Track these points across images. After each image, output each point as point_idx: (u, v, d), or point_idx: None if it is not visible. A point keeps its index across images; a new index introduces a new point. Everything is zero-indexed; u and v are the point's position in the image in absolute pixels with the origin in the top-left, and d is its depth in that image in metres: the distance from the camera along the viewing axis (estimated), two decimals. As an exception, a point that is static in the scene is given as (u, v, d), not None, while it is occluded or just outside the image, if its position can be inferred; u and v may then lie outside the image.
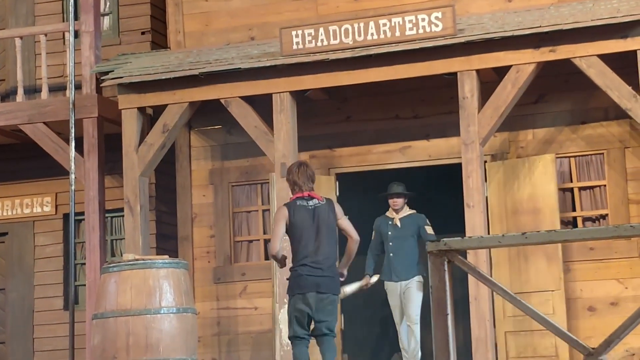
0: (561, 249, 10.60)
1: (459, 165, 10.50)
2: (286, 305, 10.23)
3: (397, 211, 10.35)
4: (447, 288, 3.21)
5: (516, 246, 2.99)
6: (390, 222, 10.33)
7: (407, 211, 10.38)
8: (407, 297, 10.15)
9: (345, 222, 8.22)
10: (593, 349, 3.05)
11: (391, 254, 10.29)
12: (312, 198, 8.13)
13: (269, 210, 11.77)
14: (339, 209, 8.23)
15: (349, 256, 8.21)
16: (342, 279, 8.27)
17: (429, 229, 10.22)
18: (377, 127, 11.56)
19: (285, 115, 10.86)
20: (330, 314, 7.99)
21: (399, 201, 10.33)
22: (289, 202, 8.16)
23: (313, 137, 11.63)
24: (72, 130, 11.59)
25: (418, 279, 10.19)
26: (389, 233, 10.28)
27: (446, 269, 3.23)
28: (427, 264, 7.73)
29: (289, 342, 8.26)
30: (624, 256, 10.62)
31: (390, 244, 10.26)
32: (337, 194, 11.58)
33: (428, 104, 11.44)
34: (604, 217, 10.86)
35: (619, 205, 10.74)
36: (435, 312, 3.23)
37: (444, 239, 3.16)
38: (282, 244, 8.11)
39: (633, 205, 10.71)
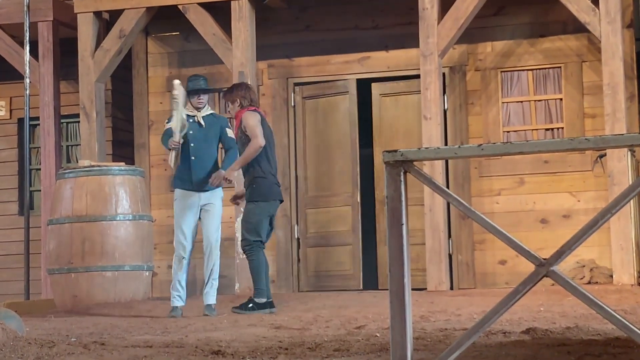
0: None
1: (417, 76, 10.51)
2: (242, 215, 10.28)
3: (199, 109, 8.86)
4: (403, 198, 3.22)
5: (472, 157, 3.01)
6: (192, 120, 8.82)
7: (209, 110, 8.97)
8: (210, 213, 8.79)
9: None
10: (545, 259, 3.09)
11: (192, 158, 8.76)
12: (262, 113, 8.70)
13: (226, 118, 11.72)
14: None
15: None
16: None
17: (231, 132, 8.88)
18: (336, 37, 11.50)
19: (243, 23, 10.77)
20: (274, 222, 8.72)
21: (205, 98, 8.92)
22: (252, 110, 8.55)
23: (271, 46, 11.56)
24: (27, 34, 11.43)
25: (221, 193, 8.87)
26: (191, 132, 8.72)
27: (402, 179, 3.24)
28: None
29: (248, 248, 8.47)
30: (578, 169, 10.75)
31: (192, 145, 8.70)
32: (294, 103, 11.58)
33: (388, 15, 11.38)
34: (559, 130, 10.95)
35: (575, 119, 10.83)
36: (390, 222, 3.25)
37: (401, 150, 3.17)
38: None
39: (588, 119, 10.80)
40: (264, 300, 8.37)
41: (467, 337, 3.14)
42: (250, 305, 8.33)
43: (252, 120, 8.44)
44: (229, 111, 8.88)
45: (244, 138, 8.44)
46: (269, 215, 8.50)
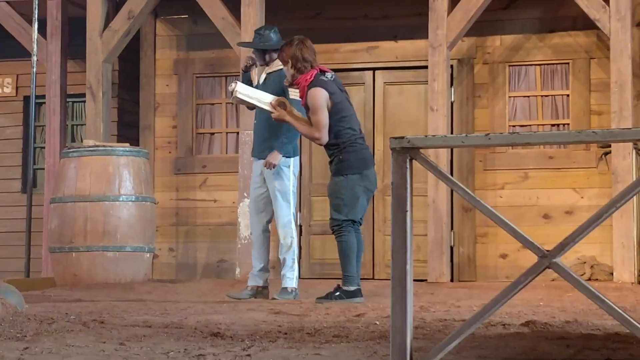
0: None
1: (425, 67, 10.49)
2: (246, 199, 10.27)
3: (267, 64, 8.09)
4: (408, 185, 3.22)
5: (479, 147, 3.00)
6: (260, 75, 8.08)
7: (277, 66, 7.97)
8: (270, 187, 7.99)
9: None
10: (548, 251, 3.09)
11: (255, 121, 8.10)
12: (325, 72, 7.46)
13: (232, 103, 11.73)
14: None
15: None
16: None
17: (294, 94, 7.65)
18: (345, 26, 11.49)
19: (253, 8, 10.75)
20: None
21: (257, 54, 8.08)
22: (317, 82, 7.33)
23: (280, 32, 11.51)
24: (36, 12, 11.42)
25: (285, 161, 7.94)
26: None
27: (408, 166, 3.24)
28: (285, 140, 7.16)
29: (337, 228, 7.34)
30: (582, 166, 10.74)
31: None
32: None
33: (398, 5, 11.36)
34: (565, 126, 10.94)
35: (581, 115, 10.82)
36: (395, 209, 3.25)
37: (408, 136, 3.17)
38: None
39: (594, 116, 10.79)
40: (353, 288, 7.39)
41: (467, 326, 3.15)
42: (337, 293, 7.37)
43: (317, 101, 7.25)
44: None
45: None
46: (365, 190, 7.31)
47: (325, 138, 7.28)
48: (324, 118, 7.25)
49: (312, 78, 7.34)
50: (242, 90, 7.58)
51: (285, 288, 8.03)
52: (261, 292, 8.21)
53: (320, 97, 7.26)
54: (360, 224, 7.42)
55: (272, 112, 7.46)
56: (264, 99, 7.55)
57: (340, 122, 7.31)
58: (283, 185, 7.92)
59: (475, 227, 10.95)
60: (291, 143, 7.93)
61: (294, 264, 8.03)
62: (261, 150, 8.00)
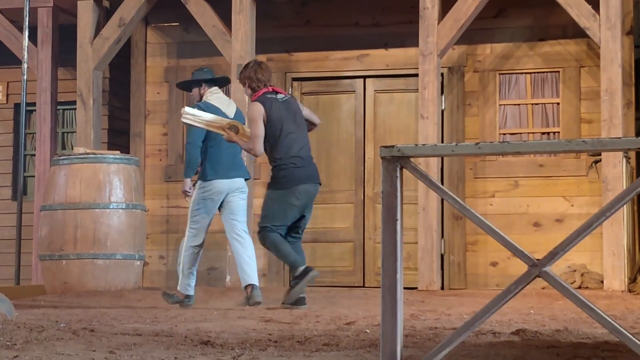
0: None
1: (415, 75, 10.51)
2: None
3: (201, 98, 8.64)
4: (399, 194, 3.22)
5: (469, 156, 3.01)
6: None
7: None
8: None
9: (307, 111, 8.17)
10: (538, 260, 3.09)
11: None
12: (277, 92, 7.97)
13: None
14: (298, 101, 8.30)
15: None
16: None
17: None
18: (336, 33, 11.51)
19: (244, 15, 10.76)
20: (311, 209, 7.96)
21: (194, 91, 8.67)
22: (260, 98, 7.84)
23: (271, 40, 11.56)
24: (26, 19, 11.42)
25: (198, 185, 8.50)
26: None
27: (398, 175, 3.24)
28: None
29: (259, 236, 7.91)
30: (572, 174, 10.76)
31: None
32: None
33: (388, 13, 11.38)
34: (555, 134, 10.96)
35: (571, 123, 10.84)
36: (385, 218, 3.26)
37: (398, 145, 3.17)
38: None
39: (585, 125, 10.81)
40: (302, 267, 7.78)
41: (458, 334, 3.15)
42: (293, 286, 7.84)
43: (251, 113, 7.82)
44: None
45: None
46: (291, 205, 7.74)
47: (258, 149, 7.75)
48: (256, 130, 7.73)
49: (259, 95, 7.87)
50: (188, 113, 8.04)
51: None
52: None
53: (255, 110, 7.78)
54: (275, 228, 7.79)
55: (223, 135, 7.97)
56: (217, 122, 8.02)
57: (277, 140, 7.78)
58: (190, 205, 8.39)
59: (466, 235, 10.96)
60: (190, 167, 8.30)
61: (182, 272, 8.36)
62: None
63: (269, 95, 7.87)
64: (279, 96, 7.92)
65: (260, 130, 7.71)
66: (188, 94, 11.50)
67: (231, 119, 8.20)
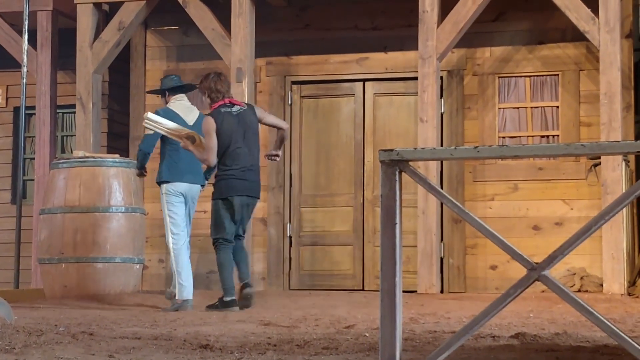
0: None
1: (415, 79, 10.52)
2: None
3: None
4: (397, 197, 3.22)
5: (468, 159, 3.01)
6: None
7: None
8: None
9: (271, 118, 8.68)
10: (536, 263, 3.09)
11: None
12: (233, 105, 8.38)
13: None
14: (260, 111, 8.58)
15: (282, 140, 8.56)
16: (278, 159, 8.61)
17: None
18: (335, 37, 11.51)
19: (243, 19, 10.77)
20: (249, 217, 8.44)
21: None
22: (213, 112, 8.31)
23: (270, 43, 11.56)
24: (26, 23, 11.41)
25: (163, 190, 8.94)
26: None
27: (397, 178, 3.24)
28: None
29: (214, 247, 8.31)
30: (572, 177, 10.76)
31: None
32: (290, 102, 11.59)
33: (388, 16, 11.39)
34: (554, 138, 10.96)
35: (571, 127, 10.85)
36: (384, 221, 3.25)
37: (397, 149, 3.17)
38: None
39: (584, 128, 10.81)
40: (229, 298, 8.19)
41: (457, 338, 3.14)
42: (217, 303, 8.30)
43: (204, 126, 8.24)
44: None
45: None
46: (226, 214, 8.22)
47: (211, 159, 8.21)
48: (209, 142, 8.18)
49: (214, 108, 8.31)
50: (150, 120, 8.53)
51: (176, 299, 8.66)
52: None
53: (208, 124, 8.23)
54: (231, 241, 8.26)
55: (180, 143, 8.45)
56: (176, 131, 8.46)
57: (224, 152, 8.22)
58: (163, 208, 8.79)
59: (465, 239, 10.96)
60: (160, 170, 8.74)
61: (179, 276, 8.61)
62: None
63: (222, 110, 8.30)
64: (234, 109, 8.36)
65: (213, 142, 8.18)
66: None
67: (191, 126, 8.63)
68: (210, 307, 8.29)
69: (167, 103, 8.92)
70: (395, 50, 11.33)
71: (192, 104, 9.10)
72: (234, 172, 8.22)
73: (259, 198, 8.42)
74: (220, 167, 8.26)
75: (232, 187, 8.21)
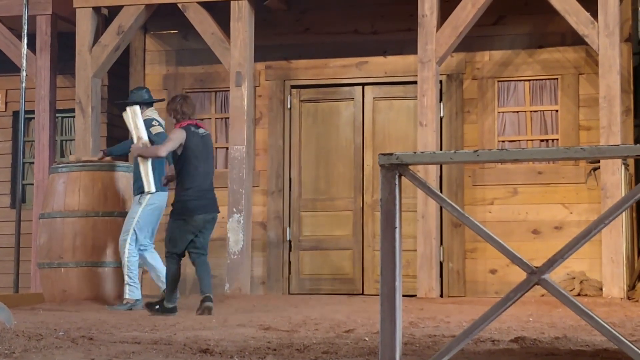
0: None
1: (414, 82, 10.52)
2: (236, 215, 10.43)
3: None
4: (397, 201, 3.22)
5: (468, 163, 3.01)
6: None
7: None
8: None
9: None
10: (536, 267, 3.09)
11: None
12: (199, 127, 8.76)
13: (222, 118, 11.77)
14: None
15: None
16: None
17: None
18: (335, 41, 11.51)
19: (242, 23, 10.77)
20: (211, 231, 8.80)
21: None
22: (186, 127, 8.65)
23: (270, 47, 11.56)
24: (25, 27, 11.41)
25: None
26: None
27: (397, 182, 3.24)
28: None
29: (166, 258, 8.70)
30: (571, 181, 10.76)
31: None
32: (290, 106, 11.59)
33: (387, 20, 11.39)
34: (554, 142, 10.96)
35: (570, 130, 10.84)
36: (384, 225, 3.25)
37: (396, 153, 3.17)
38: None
39: (583, 132, 10.82)
40: (170, 305, 8.57)
41: (457, 342, 3.14)
42: (158, 307, 8.60)
43: (173, 134, 8.66)
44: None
45: (173, 153, 8.67)
46: (187, 231, 8.59)
47: (162, 151, 8.63)
48: (169, 144, 8.60)
49: (184, 124, 8.68)
50: (135, 112, 9.02)
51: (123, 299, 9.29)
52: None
53: (178, 133, 8.61)
54: (183, 255, 8.70)
55: (134, 142, 9.05)
56: (138, 133, 9.01)
57: (187, 170, 8.62)
58: (130, 213, 9.39)
59: (465, 243, 10.96)
60: (137, 181, 9.22)
61: (128, 278, 9.27)
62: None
63: (192, 129, 8.68)
64: (200, 131, 8.75)
65: (172, 145, 8.58)
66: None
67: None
68: (150, 307, 8.63)
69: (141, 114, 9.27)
70: (394, 55, 11.33)
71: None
72: (192, 194, 8.60)
73: (219, 212, 8.81)
74: (179, 188, 8.64)
75: (191, 208, 8.58)
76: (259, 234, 11.44)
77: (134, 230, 9.29)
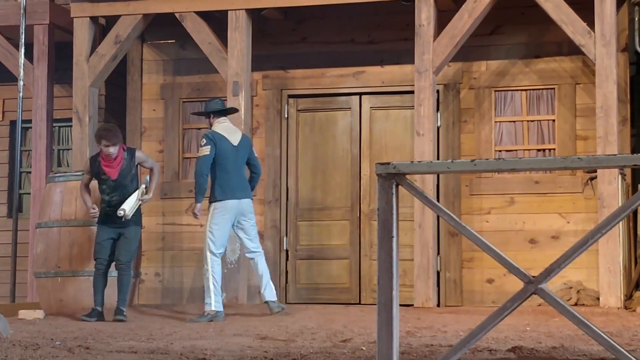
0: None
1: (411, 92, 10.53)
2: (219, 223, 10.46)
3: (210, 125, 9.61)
4: (394, 211, 3.23)
5: (465, 173, 3.01)
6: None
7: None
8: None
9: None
10: (533, 277, 3.09)
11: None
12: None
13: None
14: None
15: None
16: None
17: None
18: (332, 51, 11.53)
19: (240, 33, 10.78)
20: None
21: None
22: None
23: (267, 57, 11.58)
24: (22, 36, 11.42)
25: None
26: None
27: (394, 192, 3.24)
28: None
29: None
30: (568, 191, 10.77)
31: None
32: (287, 115, 11.60)
33: (384, 30, 11.41)
34: (551, 151, 10.97)
35: (567, 140, 10.86)
36: (381, 235, 3.26)
37: (393, 162, 3.17)
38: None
39: (580, 141, 10.83)
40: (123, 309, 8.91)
41: (454, 352, 3.14)
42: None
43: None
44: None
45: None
46: (100, 242, 9.20)
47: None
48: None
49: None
50: (128, 209, 9.11)
51: (203, 312, 8.94)
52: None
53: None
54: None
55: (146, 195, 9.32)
56: (136, 196, 9.20)
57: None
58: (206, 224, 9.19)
59: (462, 252, 10.96)
60: (200, 193, 9.16)
61: (208, 289, 8.95)
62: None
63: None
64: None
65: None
66: (183, 112, 11.88)
67: (235, 146, 9.20)
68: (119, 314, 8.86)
69: (211, 125, 9.33)
70: (391, 64, 11.34)
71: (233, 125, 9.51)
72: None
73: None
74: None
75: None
76: (256, 244, 11.41)
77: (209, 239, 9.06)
